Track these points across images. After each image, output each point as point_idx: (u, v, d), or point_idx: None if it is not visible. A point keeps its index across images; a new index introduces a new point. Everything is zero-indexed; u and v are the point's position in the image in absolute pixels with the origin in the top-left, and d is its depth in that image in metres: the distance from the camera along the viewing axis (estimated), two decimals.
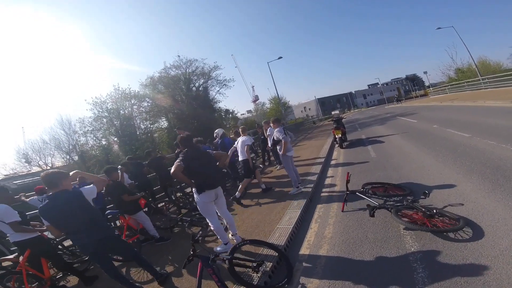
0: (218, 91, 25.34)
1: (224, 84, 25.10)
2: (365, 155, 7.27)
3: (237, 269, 2.63)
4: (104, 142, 23.80)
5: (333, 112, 12.03)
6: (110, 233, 2.91)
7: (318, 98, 70.34)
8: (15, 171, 29.52)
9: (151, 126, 24.13)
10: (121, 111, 22.48)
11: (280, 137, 5.03)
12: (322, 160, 7.49)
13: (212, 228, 3.38)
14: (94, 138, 23.15)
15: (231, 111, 27.89)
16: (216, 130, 7.26)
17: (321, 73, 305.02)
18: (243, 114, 50.95)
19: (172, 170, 3.07)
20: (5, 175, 28.34)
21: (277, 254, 2.90)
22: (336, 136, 9.26)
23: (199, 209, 3.38)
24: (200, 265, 2.49)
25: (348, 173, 3.91)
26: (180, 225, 4.96)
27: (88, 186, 2.85)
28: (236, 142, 6.14)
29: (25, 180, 24.33)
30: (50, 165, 31.08)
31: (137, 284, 3.08)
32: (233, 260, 2.63)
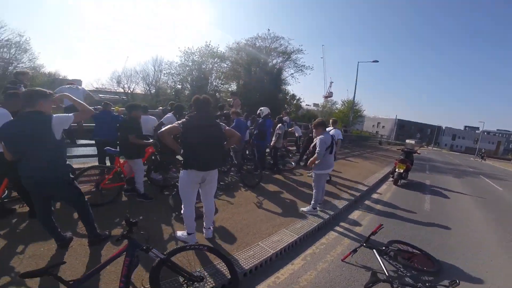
0: (292, 74, 24.87)
1: (301, 70, 24.36)
2: (417, 204, 6.19)
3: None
4: (179, 86, 26.59)
5: (407, 141, 10.42)
6: (57, 177, 2.40)
7: (398, 119, 62.79)
8: (104, 86, 35.64)
9: (221, 85, 25.64)
10: (203, 66, 24.43)
11: (317, 149, 4.18)
12: (365, 189, 6.66)
13: (182, 212, 2.98)
14: (172, 80, 26.00)
15: (297, 97, 27.17)
16: (262, 108, 6.79)
17: (411, 91, 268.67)
18: (308, 105, 49.33)
19: (163, 129, 2.70)
20: (95, 88, 34.69)
21: (229, 277, 2.36)
22: (397, 170, 7.97)
23: (178, 184, 2.93)
24: (124, 248, 1.98)
25: (381, 225, 3.28)
26: (172, 190, 4.68)
27: (63, 115, 2.39)
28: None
29: (108, 95, 29.86)
30: (132, 89, 36.64)
31: (68, 234, 2.83)
32: (168, 263, 2.07)
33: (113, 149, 4.16)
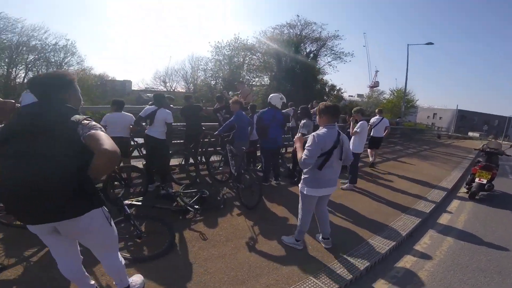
0: (329, 62, 22.58)
1: (339, 57, 21.92)
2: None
3: None
4: (212, 82, 26.44)
5: (490, 138, 7.74)
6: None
7: (459, 110, 54.01)
8: (147, 86, 37.91)
9: (254, 79, 24.64)
10: (234, 59, 23.74)
11: (305, 151, 2.54)
12: (428, 209, 4.71)
13: None
14: (205, 77, 25.97)
15: (337, 88, 24.68)
16: (272, 95, 5.05)
17: (472, 79, 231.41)
18: (351, 96, 45.44)
19: None
20: (145, 87, 37.22)
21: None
22: (477, 179, 5.67)
23: None
24: None
25: None
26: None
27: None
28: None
29: (152, 94, 31.89)
30: (173, 88, 38.22)
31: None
32: None
33: None
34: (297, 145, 2.75)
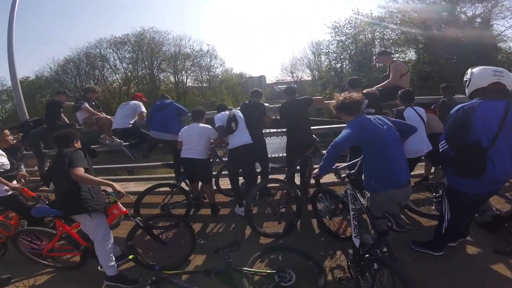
0: None
1: None
2: None
3: None
4: (337, 65, 23.42)
5: None
6: None
7: None
8: (278, 79, 39.07)
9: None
10: (360, 36, 19.75)
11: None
12: None
13: None
14: (329, 61, 23.31)
15: None
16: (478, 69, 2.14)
17: None
18: None
19: None
20: (276, 80, 38.80)
21: None
22: None
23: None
24: None
25: None
26: None
27: None
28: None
29: (283, 86, 32.80)
30: (300, 77, 37.65)
31: None
32: None
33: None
34: None
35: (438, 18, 15.90)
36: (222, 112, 3.47)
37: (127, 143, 4.29)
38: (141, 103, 4.19)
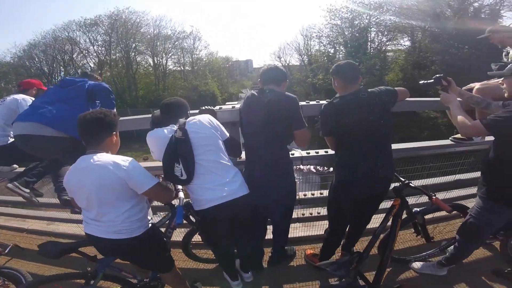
0: None
1: None
2: None
3: None
4: (331, 50, 22.48)
5: None
6: None
7: None
8: (265, 63, 37.94)
9: (387, 42, 18.78)
10: (355, 21, 18.87)
11: None
12: None
13: None
14: (322, 45, 22.32)
15: None
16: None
17: None
18: None
19: None
20: (264, 64, 37.89)
21: None
22: None
23: None
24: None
25: None
26: None
27: None
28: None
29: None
30: (288, 62, 36.29)
31: None
32: None
33: None
34: None
35: (444, 3, 15.18)
36: (165, 127, 1.56)
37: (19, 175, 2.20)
38: (28, 97, 2.32)
